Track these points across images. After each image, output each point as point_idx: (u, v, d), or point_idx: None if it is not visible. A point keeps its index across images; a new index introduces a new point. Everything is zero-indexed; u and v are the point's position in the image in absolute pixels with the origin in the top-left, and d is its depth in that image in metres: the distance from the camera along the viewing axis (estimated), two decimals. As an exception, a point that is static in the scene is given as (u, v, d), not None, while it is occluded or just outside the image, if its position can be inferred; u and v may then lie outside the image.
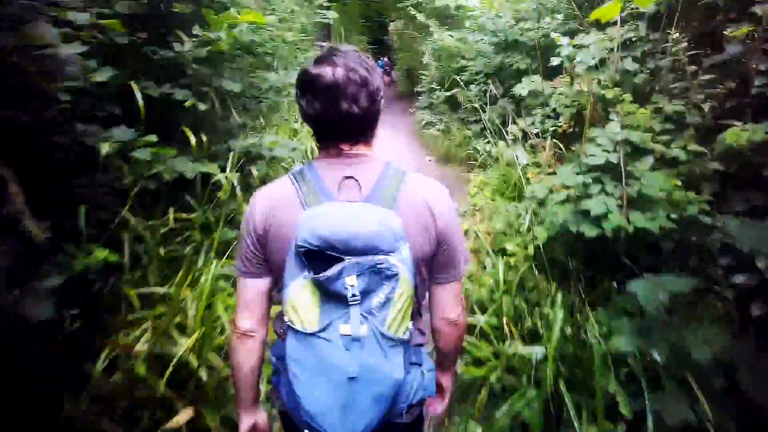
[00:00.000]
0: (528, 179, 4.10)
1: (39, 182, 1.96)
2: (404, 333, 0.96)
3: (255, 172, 3.16)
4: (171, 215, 2.54)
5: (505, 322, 2.64)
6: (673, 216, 2.33)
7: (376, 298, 0.92)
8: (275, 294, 1.14)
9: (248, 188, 3.45)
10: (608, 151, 2.57)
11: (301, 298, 0.92)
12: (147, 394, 1.92)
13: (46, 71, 1.88)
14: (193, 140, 2.62)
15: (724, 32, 2.94)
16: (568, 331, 2.41)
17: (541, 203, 2.94)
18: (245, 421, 1.23)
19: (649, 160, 2.64)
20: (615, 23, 3.84)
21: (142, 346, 2.08)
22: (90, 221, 2.13)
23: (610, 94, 3.48)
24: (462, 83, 6.42)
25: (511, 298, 2.67)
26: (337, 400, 0.90)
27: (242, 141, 3.14)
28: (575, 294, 2.66)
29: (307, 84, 1.03)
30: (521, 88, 4.87)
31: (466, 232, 3.78)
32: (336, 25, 11.12)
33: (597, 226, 2.27)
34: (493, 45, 6.75)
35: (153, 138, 2.32)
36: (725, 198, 2.58)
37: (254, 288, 1.13)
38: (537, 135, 4.34)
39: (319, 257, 0.90)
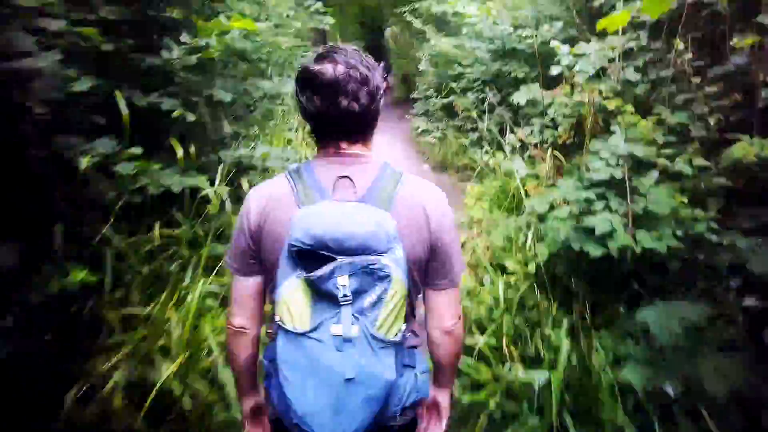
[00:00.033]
0: (526, 191, 4.01)
1: (13, 198, 1.85)
2: (396, 335, 0.96)
3: (245, 185, 3.04)
4: (156, 231, 2.43)
5: (504, 343, 2.53)
6: (679, 233, 2.25)
7: (368, 299, 0.91)
8: (268, 293, 1.12)
9: (239, 201, 3.35)
10: (612, 166, 2.47)
11: (293, 297, 0.92)
12: (123, 427, 1.79)
13: (21, 81, 1.77)
14: (180, 152, 2.50)
15: (729, 42, 2.87)
16: (572, 356, 2.31)
17: (542, 218, 2.85)
18: (246, 404, 1.26)
19: (654, 175, 2.55)
20: (616, 32, 3.78)
21: (120, 375, 1.96)
22: (69, 239, 2.02)
23: (611, 104, 3.40)
24: (459, 90, 6.34)
25: (511, 317, 2.57)
26: (327, 402, 0.89)
27: (233, 152, 3.03)
28: (578, 315, 2.56)
29: (307, 81, 1.02)
30: (519, 97, 4.78)
31: (463, 245, 3.68)
32: (332, 30, 11.04)
33: (602, 245, 2.18)
34: (490, 52, 6.68)
35: (138, 150, 2.21)
36: (732, 215, 2.49)
37: (246, 286, 1.12)
38: (536, 145, 4.25)
39: (312, 257, 0.90)
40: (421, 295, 1.17)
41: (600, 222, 2.17)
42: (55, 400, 1.85)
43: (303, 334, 0.90)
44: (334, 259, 0.89)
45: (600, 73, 3.81)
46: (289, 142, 4.99)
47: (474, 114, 5.63)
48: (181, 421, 2.01)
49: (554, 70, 3.78)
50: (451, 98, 7.47)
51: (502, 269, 3.12)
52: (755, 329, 1.90)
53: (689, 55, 2.87)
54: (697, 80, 2.79)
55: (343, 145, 1.08)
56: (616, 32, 3.87)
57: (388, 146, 8.72)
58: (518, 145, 4.47)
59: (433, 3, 9.21)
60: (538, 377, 2.20)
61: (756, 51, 2.78)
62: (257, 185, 1.14)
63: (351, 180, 1.04)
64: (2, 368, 1.56)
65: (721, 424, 1.51)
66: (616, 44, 3.54)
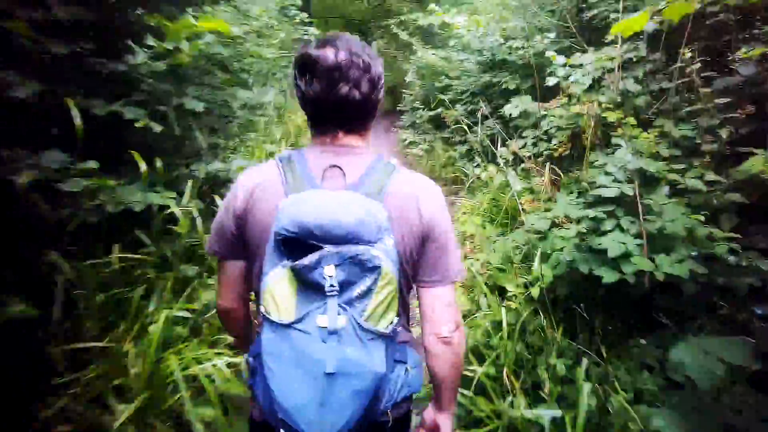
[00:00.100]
0: (521, 206, 3.82)
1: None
2: (386, 327, 0.92)
3: (219, 202, 2.78)
4: (115, 253, 2.16)
5: (505, 373, 2.30)
6: (693, 253, 2.05)
7: (357, 290, 0.88)
8: (254, 282, 1.07)
9: (213, 217, 3.09)
10: (620, 181, 2.28)
11: (278, 287, 0.89)
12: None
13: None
14: (143, 166, 2.24)
15: (737, 52, 2.72)
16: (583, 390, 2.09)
17: (543, 237, 2.64)
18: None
19: (664, 191, 2.36)
20: (613, 42, 3.63)
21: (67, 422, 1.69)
22: (7, 265, 1.75)
23: (612, 116, 3.22)
24: (447, 102, 6.18)
25: (513, 344, 2.33)
26: (314, 396, 0.86)
27: (207, 165, 2.78)
28: (584, 342, 2.34)
29: (307, 65, 0.99)
30: (511, 108, 4.62)
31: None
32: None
33: (615, 269, 1.96)
34: (479, 64, 6.55)
35: (92, 164, 1.95)
36: (746, 233, 2.31)
37: (231, 269, 1.11)
38: (529, 158, 4.06)
39: (298, 246, 0.87)
40: (414, 293, 1.11)
41: (612, 243, 1.96)
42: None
43: (288, 325, 0.87)
44: (321, 248, 0.86)
45: (597, 84, 3.66)
46: (272, 155, 4.74)
47: (464, 126, 5.44)
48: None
49: (550, 81, 3.60)
50: (438, 110, 7.33)
51: (500, 291, 2.90)
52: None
53: (697, 65, 2.70)
54: (706, 91, 2.62)
55: (340, 134, 1.05)
56: (613, 42, 3.75)
57: (375, 159, 8.50)
58: (511, 157, 4.28)
59: (420, 16, 9.13)
60: (547, 415, 1.97)
61: (765, 62, 2.64)
62: (247, 170, 1.10)
63: (341, 170, 1.00)
64: None
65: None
66: (614, 54, 3.38)
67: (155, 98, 2.45)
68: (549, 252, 2.60)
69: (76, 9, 2.22)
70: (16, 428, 1.68)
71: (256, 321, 1.03)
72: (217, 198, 2.81)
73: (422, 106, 8.48)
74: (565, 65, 3.67)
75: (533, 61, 5.29)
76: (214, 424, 2.10)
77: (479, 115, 4.98)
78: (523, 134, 4.65)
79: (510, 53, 5.66)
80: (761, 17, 2.93)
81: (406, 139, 8.73)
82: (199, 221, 2.60)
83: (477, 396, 2.26)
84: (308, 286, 0.88)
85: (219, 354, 2.39)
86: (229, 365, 2.35)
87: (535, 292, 2.33)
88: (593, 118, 3.27)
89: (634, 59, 3.46)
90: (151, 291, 2.41)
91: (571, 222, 2.59)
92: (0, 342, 1.70)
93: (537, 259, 2.33)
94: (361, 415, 0.88)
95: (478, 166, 4.61)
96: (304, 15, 8.91)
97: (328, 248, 0.86)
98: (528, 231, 3.00)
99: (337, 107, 1.00)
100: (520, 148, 4.31)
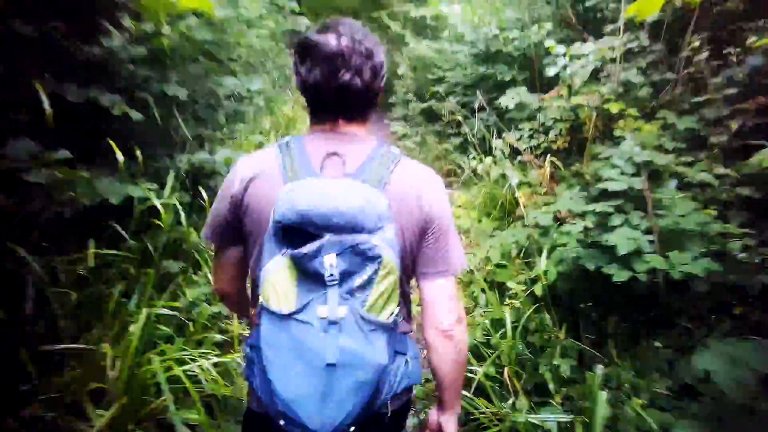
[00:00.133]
0: (516, 199, 3.71)
1: None
2: (388, 317, 0.91)
3: (206, 195, 2.64)
4: (91, 250, 2.00)
5: (506, 373, 2.20)
6: (702, 250, 1.96)
7: (358, 279, 0.87)
8: (252, 270, 1.05)
9: (200, 210, 2.94)
10: (627, 174, 2.17)
11: (278, 276, 0.87)
12: None
13: None
14: (120, 156, 2.09)
15: (745, 42, 2.63)
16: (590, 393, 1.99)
17: (544, 232, 2.53)
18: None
19: (672, 185, 2.26)
20: (614, 32, 3.53)
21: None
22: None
23: (614, 108, 3.13)
24: (442, 94, 6.06)
25: (515, 344, 2.22)
26: (314, 388, 0.84)
27: (191, 156, 2.63)
28: (589, 343, 2.25)
29: (308, 50, 0.97)
30: (508, 100, 4.50)
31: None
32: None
33: (625, 266, 1.86)
34: (472, 56, 6.43)
35: (63, 154, 1.80)
36: (756, 228, 2.22)
37: (227, 255, 1.12)
38: (528, 151, 3.96)
39: (298, 234, 0.86)
40: (414, 284, 1.09)
41: (622, 240, 1.85)
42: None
43: (288, 316, 0.86)
44: (321, 237, 0.85)
45: (597, 75, 3.55)
46: (261, 146, 4.59)
47: (459, 117, 5.32)
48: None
49: (550, 72, 3.48)
50: (431, 102, 7.20)
51: (498, 287, 2.79)
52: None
53: (705, 55, 2.60)
54: (715, 81, 2.52)
55: (340, 122, 1.03)
56: (613, 32, 3.64)
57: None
58: (508, 150, 4.17)
59: (412, 7, 8.98)
60: (551, 420, 1.87)
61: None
62: (245, 157, 1.07)
63: (341, 157, 0.98)
64: None
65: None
66: (615, 45, 3.28)
67: (135, 84, 2.30)
68: (551, 247, 2.49)
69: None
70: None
71: (253, 311, 1.00)
72: (202, 190, 2.67)
73: (414, 99, 8.36)
74: (564, 55, 3.56)
75: (530, 51, 5.18)
76: (199, 428, 1.98)
77: (476, 106, 4.85)
78: (519, 126, 4.55)
79: (505, 44, 5.55)
80: (768, 5, 2.84)
81: (397, 132, 8.61)
82: (182, 214, 2.45)
83: (477, 398, 2.16)
84: (308, 276, 0.86)
85: (205, 353, 2.27)
86: (216, 365, 2.23)
87: (538, 289, 2.22)
88: (594, 110, 3.16)
89: (636, 49, 3.36)
90: (131, 288, 2.27)
91: (574, 217, 2.48)
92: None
93: (543, 256, 2.22)
94: (362, 407, 0.87)
95: (474, 158, 4.49)
96: (295, 5, 8.71)
97: (328, 237, 0.85)
98: (528, 226, 2.89)
99: (338, 95, 0.97)
100: (516, 140, 4.20)
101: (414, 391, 1.16)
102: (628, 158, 2.22)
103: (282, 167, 0.98)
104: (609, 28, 3.65)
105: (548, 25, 4.65)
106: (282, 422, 0.87)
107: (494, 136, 4.76)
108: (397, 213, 0.97)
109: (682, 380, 1.75)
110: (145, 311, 1.87)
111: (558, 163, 3.42)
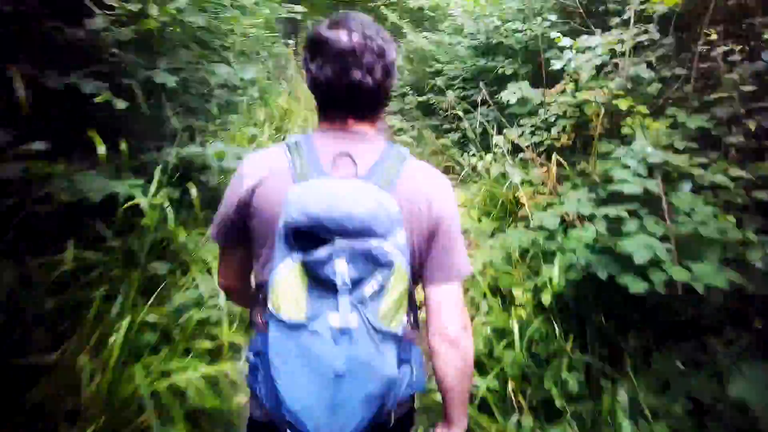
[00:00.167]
0: (517, 198, 3.60)
1: None
2: (397, 326, 0.89)
3: (195, 191, 2.49)
4: (70, 251, 1.86)
5: (510, 388, 2.09)
6: (721, 259, 1.85)
7: (369, 287, 0.85)
8: (258, 273, 1.04)
9: (190, 207, 2.78)
10: (641, 176, 2.06)
11: (288, 283, 0.85)
12: None
13: None
14: (102, 149, 1.94)
15: (761, 37, 2.52)
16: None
17: (550, 236, 2.41)
18: None
19: (686, 187, 2.15)
20: (622, 24, 3.40)
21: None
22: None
23: (623, 104, 3.01)
24: (441, 87, 5.91)
25: (520, 355, 2.12)
26: (323, 399, 0.82)
27: (180, 149, 2.47)
28: (597, 355, 2.14)
29: (319, 47, 0.95)
30: (509, 95, 4.36)
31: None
32: (303, 21, 10.44)
33: (641, 276, 1.75)
34: (472, 48, 6.28)
35: (38, 146, 1.64)
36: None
37: (234, 255, 1.11)
38: (528, 147, 3.83)
39: (308, 237, 0.83)
40: (419, 288, 1.06)
41: (638, 248, 1.74)
42: None
43: (298, 325, 0.84)
44: (331, 241, 0.83)
45: (604, 70, 3.43)
46: (253, 139, 4.42)
47: (460, 112, 5.19)
48: None
49: (556, 65, 3.35)
50: (428, 96, 7.06)
51: (500, 292, 2.67)
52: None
53: (721, 50, 2.48)
54: (732, 77, 2.40)
55: (350, 120, 1.01)
56: (619, 25, 3.52)
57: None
58: (508, 147, 4.04)
59: (411, -3, 8.81)
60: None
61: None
62: (251, 154, 1.04)
63: (352, 158, 0.96)
64: None
65: None
66: (625, 38, 3.15)
67: (120, 71, 2.14)
68: (556, 251, 2.38)
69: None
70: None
71: (259, 317, 1.00)
72: (192, 186, 2.51)
73: (411, 92, 8.20)
74: (570, 48, 3.43)
75: (532, 44, 5.05)
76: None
77: (478, 100, 4.71)
78: (521, 122, 4.42)
79: (506, 36, 5.41)
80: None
81: (393, 126, 8.46)
82: (170, 212, 2.30)
83: (480, 413, 2.06)
84: (319, 282, 0.84)
85: (193, 363, 2.14)
86: (204, 376, 2.10)
87: (546, 298, 2.11)
88: (607, 106, 3.04)
89: (646, 43, 3.23)
90: (115, 292, 2.13)
91: (582, 220, 2.37)
92: None
93: (556, 262, 2.09)
94: (370, 419, 0.86)
95: (474, 155, 4.36)
96: (289, -8, 8.49)
97: (339, 242, 0.83)
98: (531, 228, 2.78)
99: (349, 93, 0.95)
100: (518, 136, 4.07)
101: (415, 401, 1.12)
102: (641, 159, 2.10)
103: (291, 167, 0.95)
104: (615, 20, 3.53)
105: (552, 17, 4.52)
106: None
107: (495, 132, 4.63)
108: (406, 216, 0.95)
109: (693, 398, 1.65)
110: (126, 321, 1.74)
111: (562, 161, 3.30)
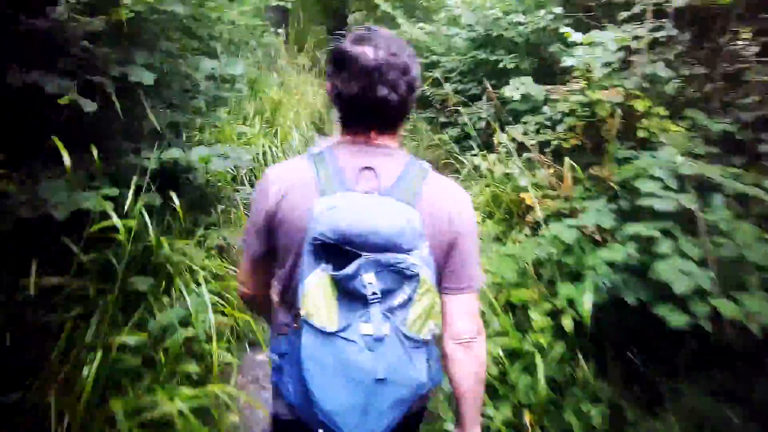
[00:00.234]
0: (535, 202, 3.40)
1: None
2: (427, 334, 0.93)
3: (177, 200, 2.25)
4: (32, 278, 1.62)
5: (528, 420, 1.91)
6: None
7: (398, 298, 0.89)
8: (283, 278, 1.06)
9: (174, 215, 2.55)
10: (673, 189, 1.87)
11: (318, 293, 0.88)
12: None
13: None
14: (67, 160, 1.70)
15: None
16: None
17: (567, 250, 2.22)
18: None
19: (719, 201, 1.97)
20: (636, 19, 3.20)
21: None
22: None
23: (640, 105, 2.82)
24: (439, 79, 5.68)
25: (544, 389, 1.92)
26: (355, 401, 0.87)
27: (162, 153, 2.23)
28: (616, 383, 1.96)
29: (345, 62, 0.97)
30: (512, 90, 4.15)
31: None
32: (293, 11, 10.10)
33: (680, 306, 1.56)
34: (470, 40, 6.05)
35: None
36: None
37: (260, 264, 1.13)
38: (535, 147, 3.63)
39: (336, 251, 0.87)
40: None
41: (675, 274, 1.55)
42: None
43: (332, 333, 0.87)
44: (358, 255, 0.86)
45: (612, 66, 3.23)
46: (241, 137, 4.16)
47: (461, 109, 4.97)
48: None
49: (567, 62, 3.14)
50: (424, 88, 6.84)
51: (512, 307, 2.48)
52: None
53: (755, 49, 2.29)
54: (763, 79, 2.22)
55: (373, 134, 1.04)
56: (629, 19, 3.32)
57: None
58: (512, 145, 3.83)
59: (404, -15, 8.55)
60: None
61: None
62: (277, 164, 1.10)
63: (375, 171, 0.99)
64: None
65: None
66: (640, 33, 2.95)
67: (90, 66, 1.89)
68: (573, 266, 2.20)
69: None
70: None
71: (288, 324, 1.03)
72: (173, 194, 2.28)
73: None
74: (581, 44, 3.22)
75: (534, 37, 4.84)
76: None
77: (477, 94, 4.49)
78: (523, 120, 4.21)
79: (506, 29, 5.18)
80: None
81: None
82: (150, 225, 2.07)
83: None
84: (348, 294, 0.88)
85: (180, 391, 1.94)
86: (192, 403, 1.90)
87: (567, 324, 1.92)
88: (617, 107, 2.84)
89: (662, 39, 3.04)
90: (89, 312, 1.90)
91: (603, 233, 2.18)
92: None
93: (587, 292, 1.88)
94: (398, 420, 0.91)
95: (476, 155, 4.15)
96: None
97: (367, 255, 0.86)
98: (541, 236, 2.58)
99: (373, 109, 0.98)
100: (522, 134, 3.86)
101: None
102: (672, 170, 1.91)
103: (316, 179, 0.98)
104: (624, 14, 3.33)
105: (557, 9, 4.31)
106: (320, 431, 0.90)
107: (497, 129, 4.43)
108: (428, 230, 0.96)
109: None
110: (99, 354, 1.52)
111: (574, 165, 3.10)
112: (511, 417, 1.95)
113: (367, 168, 0.99)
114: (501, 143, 3.94)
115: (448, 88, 6.03)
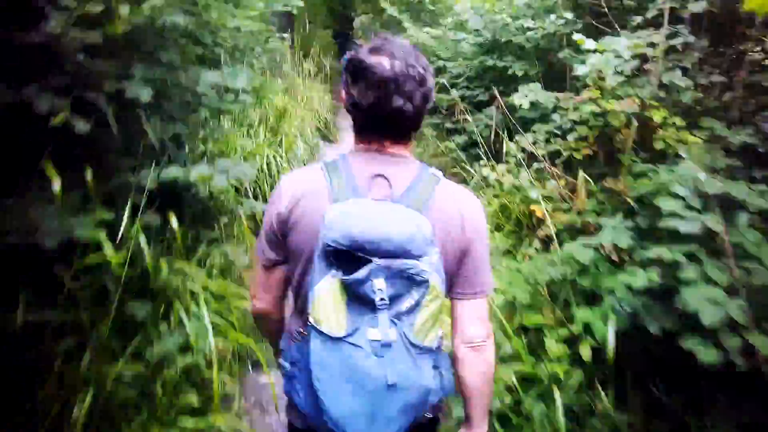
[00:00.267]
0: (532, 212, 3.31)
1: None
2: (432, 341, 0.94)
3: (175, 223, 2.17)
4: (20, 311, 1.53)
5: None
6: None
7: (405, 303, 0.90)
8: (296, 284, 1.08)
9: (173, 238, 2.45)
10: (696, 209, 1.76)
11: (328, 298, 0.89)
12: None
13: None
14: (56, 186, 1.62)
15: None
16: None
17: (582, 270, 2.12)
18: None
19: (743, 219, 1.86)
20: (653, 25, 3.09)
21: None
22: None
23: (657, 115, 2.72)
24: (446, 85, 5.58)
25: (557, 413, 1.82)
26: (363, 407, 0.88)
27: (160, 171, 2.15)
28: (636, 411, 1.86)
29: (361, 72, 0.98)
30: (520, 98, 4.04)
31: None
32: (299, 15, 10.05)
33: (709, 338, 1.46)
34: (477, 45, 5.95)
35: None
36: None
37: (276, 274, 1.13)
38: (545, 157, 3.53)
39: (347, 257, 0.88)
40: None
41: (703, 303, 1.45)
42: None
43: (339, 339, 0.88)
44: (369, 261, 0.87)
45: (625, 74, 3.12)
46: (244, 152, 4.05)
47: (468, 116, 4.88)
48: None
49: (580, 70, 3.04)
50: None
51: (524, 329, 2.38)
52: None
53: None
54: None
55: (386, 143, 1.05)
56: (642, 26, 3.21)
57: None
58: (524, 156, 3.73)
59: (411, -11, 8.48)
60: None
61: None
62: (289, 173, 1.12)
63: (387, 179, 1.01)
64: None
65: None
66: (656, 40, 2.84)
67: (85, 82, 1.82)
68: (590, 288, 2.09)
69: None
70: None
71: (300, 330, 1.04)
72: (172, 215, 2.20)
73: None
74: (595, 51, 3.11)
75: (544, 43, 4.73)
76: None
77: (485, 101, 4.39)
78: (533, 129, 4.11)
79: (515, 35, 5.08)
80: None
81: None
82: (145, 245, 1.98)
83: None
84: (357, 299, 0.88)
85: (178, 419, 1.86)
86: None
87: (586, 354, 1.82)
88: (633, 117, 2.73)
89: (679, 47, 2.93)
90: (82, 343, 1.82)
91: (619, 252, 2.08)
92: None
93: (606, 312, 1.77)
94: (407, 426, 0.92)
95: (485, 166, 4.05)
96: (285, -16, 8.11)
97: (377, 261, 0.87)
98: (557, 257, 2.48)
99: (389, 119, 1.00)
100: (532, 144, 3.76)
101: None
102: (694, 188, 1.80)
103: (329, 186, 1.00)
104: (638, 18, 3.22)
105: (568, 14, 4.20)
106: None
107: (505, 137, 4.32)
108: (439, 237, 0.98)
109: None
110: (90, 393, 1.43)
111: (588, 178, 2.99)
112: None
113: (379, 176, 1.01)
114: (510, 153, 3.84)
115: (454, 93, 5.93)
